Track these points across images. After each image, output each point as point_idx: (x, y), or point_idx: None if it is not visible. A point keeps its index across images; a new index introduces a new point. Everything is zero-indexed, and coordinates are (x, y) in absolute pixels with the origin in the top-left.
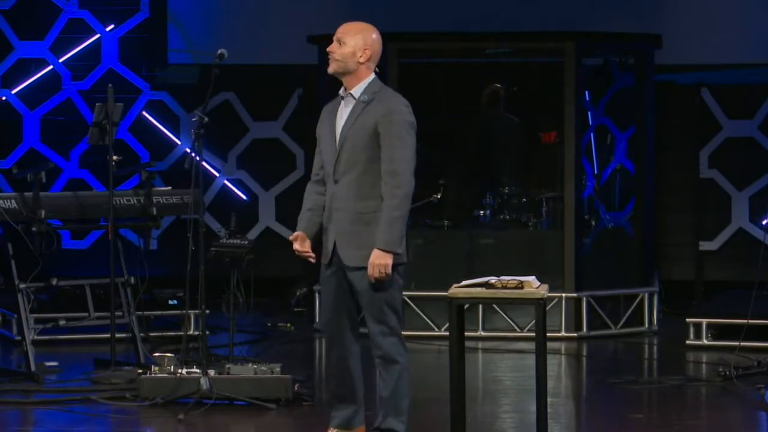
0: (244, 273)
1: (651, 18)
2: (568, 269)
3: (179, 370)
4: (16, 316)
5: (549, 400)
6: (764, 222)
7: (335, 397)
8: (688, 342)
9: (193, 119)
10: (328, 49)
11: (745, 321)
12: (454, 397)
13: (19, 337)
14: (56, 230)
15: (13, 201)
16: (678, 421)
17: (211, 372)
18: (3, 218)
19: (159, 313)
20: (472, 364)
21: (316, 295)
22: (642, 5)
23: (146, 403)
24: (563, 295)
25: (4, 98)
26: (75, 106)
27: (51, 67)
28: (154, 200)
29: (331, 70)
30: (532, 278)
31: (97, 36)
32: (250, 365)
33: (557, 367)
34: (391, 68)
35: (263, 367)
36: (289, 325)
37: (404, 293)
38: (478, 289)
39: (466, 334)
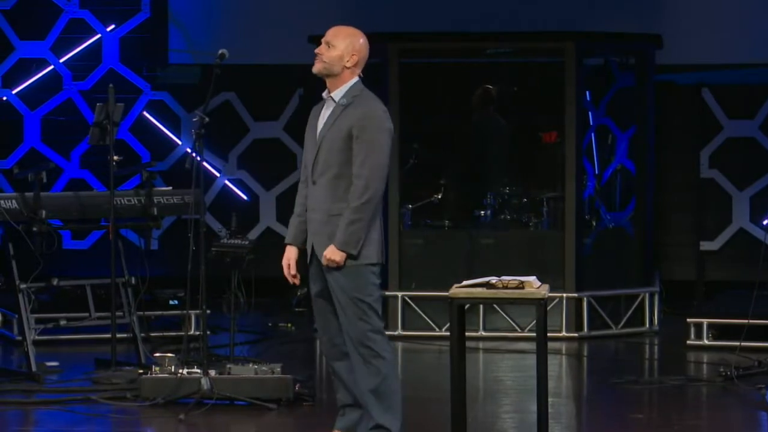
0: (244, 273)
1: (651, 18)
2: (569, 269)
3: (180, 370)
4: (16, 316)
5: (550, 400)
6: (765, 222)
7: (342, 403)
8: (688, 342)
9: (194, 119)
10: (316, 51)
11: (746, 321)
12: (454, 397)
13: (19, 337)
14: (57, 230)
15: (13, 201)
16: (679, 421)
17: (212, 372)
18: (4, 218)
19: (160, 313)
20: (472, 364)
21: None
22: (642, 5)
23: (147, 404)
24: (564, 295)
25: (4, 98)
26: (76, 106)
27: (52, 67)
28: (155, 200)
29: (315, 70)
30: (532, 278)
31: (98, 36)
32: (250, 365)
33: (558, 367)
34: (391, 68)
35: (264, 367)
36: (289, 325)
37: (404, 293)
38: (479, 289)
39: (466, 334)
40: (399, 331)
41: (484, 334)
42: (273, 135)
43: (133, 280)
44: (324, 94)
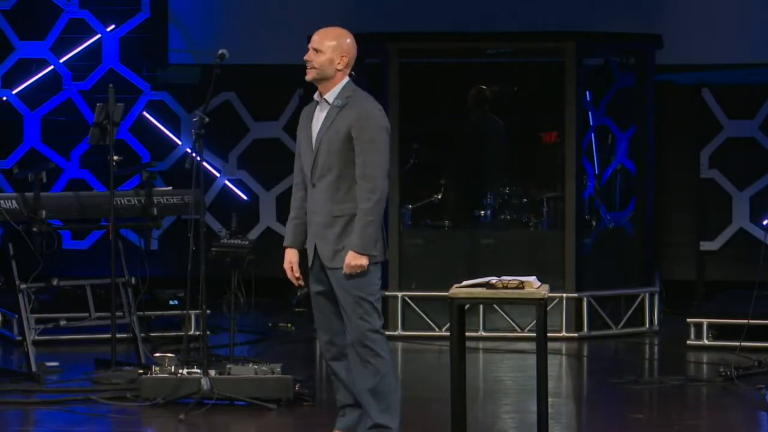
0: (244, 273)
1: (651, 18)
2: (569, 269)
3: (180, 371)
4: (16, 316)
5: (550, 400)
6: (765, 222)
7: (342, 403)
8: (688, 342)
9: (194, 119)
10: (305, 58)
11: (746, 321)
12: (454, 397)
13: (20, 338)
14: (57, 230)
15: (13, 201)
16: (679, 421)
17: (212, 372)
18: (4, 218)
19: (160, 313)
20: (472, 365)
21: None
22: (642, 5)
23: (147, 404)
24: (564, 295)
25: (4, 98)
26: (76, 106)
27: (52, 67)
28: (155, 200)
29: (309, 78)
30: (532, 278)
31: (98, 36)
32: (250, 365)
33: (558, 367)
34: (391, 68)
35: (264, 368)
36: (289, 325)
37: (404, 293)
38: (479, 290)
39: (466, 334)
40: (399, 331)
41: (484, 334)
42: (273, 135)
43: (133, 280)
44: (316, 96)
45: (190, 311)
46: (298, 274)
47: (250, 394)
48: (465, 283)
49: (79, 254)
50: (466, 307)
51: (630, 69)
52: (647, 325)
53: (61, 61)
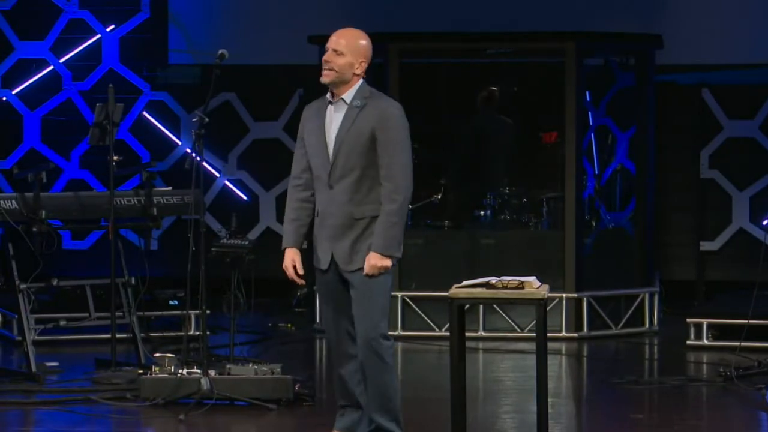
0: (244, 273)
1: (652, 18)
2: (569, 269)
3: (180, 371)
4: (16, 316)
5: (550, 400)
6: (765, 222)
7: (342, 403)
8: (688, 342)
9: (194, 119)
10: (325, 59)
11: (746, 321)
12: (454, 398)
13: (19, 338)
14: (57, 230)
15: (13, 201)
16: (679, 421)
17: (212, 372)
18: (3, 218)
19: (160, 313)
20: (472, 365)
21: (317, 295)
22: (643, 5)
23: (147, 404)
24: (564, 295)
25: (4, 98)
26: (75, 106)
27: (51, 67)
28: (155, 200)
29: (327, 80)
30: (532, 278)
31: (98, 36)
32: (250, 365)
33: (558, 367)
34: (391, 68)
35: (264, 368)
36: (289, 325)
37: (404, 293)
38: (479, 290)
39: (466, 334)
40: (399, 331)
41: (484, 334)
42: (273, 135)
43: (133, 280)
44: (329, 97)
45: (190, 311)
46: (302, 272)
47: (250, 394)
48: (465, 283)
49: (79, 254)
50: (466, 307)
51: (630, 69)
52: (647, 325)
53: (61, 61)
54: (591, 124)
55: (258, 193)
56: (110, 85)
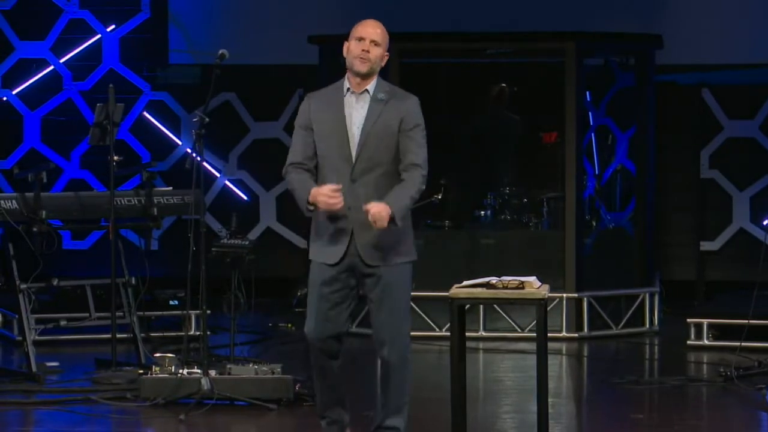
0: (245, 273)
1: (652, 18)
2: (569, 269)
3: (180, 371)
4: (17, 316)
5: (550, 400)
6: (765, 222)
7: (329, 402)
8: (689, 342)
9: (194, 119)
10: (365, 49)
11: (746, 321)
12: (455, 398)
13: (20, 338)
14: (57, 230)
15: (14, 201)
16: (679, 421)
17: (212, 372)
18: (4, 218)
19: (160, 313)
20: (473, 365)
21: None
22: (643, 5)
23: (147, 404)
24: (564, 295)
25: (4, 98)
26: (76, 106)
27: (52, 67)
28: (155, 200)
29: (365, 69)
30: (533, 278)
31: (98, 36)
32: (251, 365)
33: (558, 367)
34: (391, 68)
35: (264, 368)
36: (290, 325)
37: None
38: (480, 290)
39: (467, 334)
40: None
41: (484, 334)
42: (273, 135)
43: (133, 280)
44: (350, 87)
45: (190, 311)
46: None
47: (250, 395)
48: (465, 283)
49: (79, 254)
50: (467, 307)
51: (630, 69)
52: (647, 326)
53: (61, 61)
54: (591, 124)
55: (258, 193)
56: (110, 85)
